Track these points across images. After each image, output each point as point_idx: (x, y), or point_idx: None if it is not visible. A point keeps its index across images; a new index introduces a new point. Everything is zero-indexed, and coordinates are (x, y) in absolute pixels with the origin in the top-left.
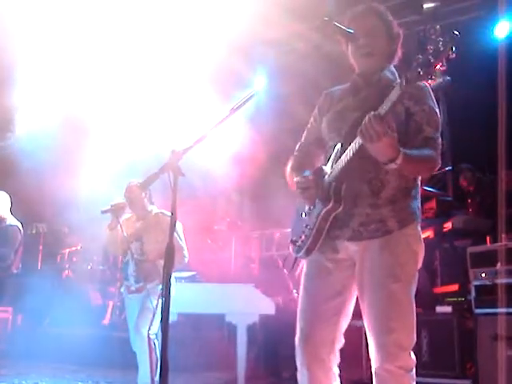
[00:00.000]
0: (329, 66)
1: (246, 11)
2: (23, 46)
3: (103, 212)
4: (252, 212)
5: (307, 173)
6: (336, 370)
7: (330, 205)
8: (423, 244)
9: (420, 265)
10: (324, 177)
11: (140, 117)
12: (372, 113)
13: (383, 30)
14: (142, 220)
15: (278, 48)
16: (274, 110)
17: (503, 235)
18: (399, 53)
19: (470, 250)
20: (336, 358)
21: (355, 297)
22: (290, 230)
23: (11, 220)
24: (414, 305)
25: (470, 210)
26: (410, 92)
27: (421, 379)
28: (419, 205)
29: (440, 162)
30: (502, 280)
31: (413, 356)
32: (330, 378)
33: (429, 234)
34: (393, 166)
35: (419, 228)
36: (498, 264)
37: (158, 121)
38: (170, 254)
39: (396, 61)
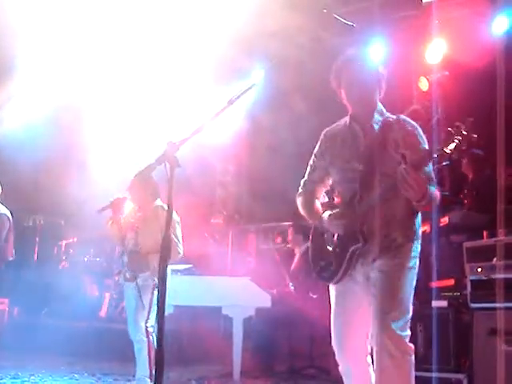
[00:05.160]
0: (327, 58)
1: (245, 3)
2: (23, 36)
3: (101, 210)
4: (249, 205)
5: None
6: (369, 362)
7: (360, 244)
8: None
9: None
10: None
11: (139, 109)
12: (404, 166)
13: (374, 80)
14: (141, 212)
15: (277, 40)
16: (272, 101)
17: (500, 230)
18: (384, 87)
19: (467, 244)
20: (368, 354)
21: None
22: (286, 223)
23: (0, 208)
24: (412, 296)
25: (466, 202)
26: (408, 141)
27: (416, 373)
28: (420, 226)
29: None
30: (498, 275)
31: (411, 345)
32: (369, 373)
33: (425, 228)
34: (423, 203)
35: (419, 245)
36: (494, 259)
37: (157, 113)
38: (166, 245)
39: (381, 95)
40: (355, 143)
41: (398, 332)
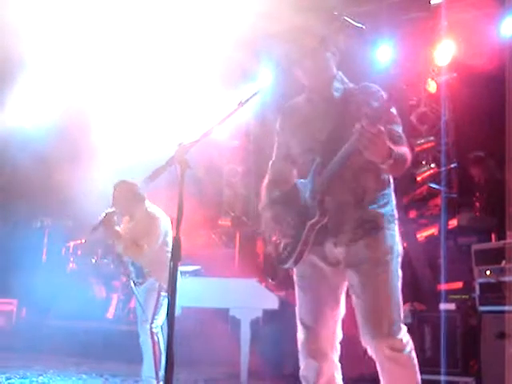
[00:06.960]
0: None
1: (252, 5)
2: (30, 39)
3: (94, 229)
4: (257, 206)
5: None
6: (337, 362)
7: (316, 218)
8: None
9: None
10: (303, 191)
11: (146, 111)
12: (364, 121)
13: (323, 52)
14: (132, 221)
15: (284, 42)
16: (281, 103)
17: (509, 233)
18: (338, 52)
19: (475, 247)
20: (337, 351)
21: (345, 290)
22: None
23: None
24: (400, 292)
25: (477, 205)
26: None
27: (423, 376)
28: (394, 207)
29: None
30: (506, 278)
31: (408, 337)
32: (333, 368)
33: (433, 231)
34: (390, 162)
35: (397, 227)
36: (503, 262)
37: (164, 115)
38: (177, 247)
39: (339, 59)
40: (315, 111)
41: (396, 336)
